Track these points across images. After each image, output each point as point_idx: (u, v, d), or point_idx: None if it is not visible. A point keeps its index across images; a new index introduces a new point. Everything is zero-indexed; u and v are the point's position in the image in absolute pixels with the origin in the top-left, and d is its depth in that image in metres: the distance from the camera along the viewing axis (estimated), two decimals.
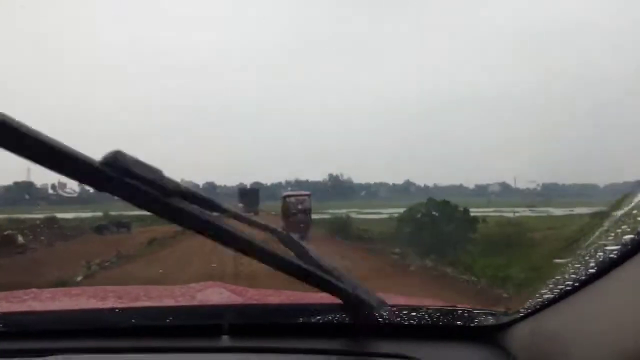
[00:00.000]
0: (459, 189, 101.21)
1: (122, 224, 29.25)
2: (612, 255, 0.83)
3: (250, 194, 44.76)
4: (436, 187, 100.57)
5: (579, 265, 0.93)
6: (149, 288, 1.65)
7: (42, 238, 20.17)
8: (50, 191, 74.93)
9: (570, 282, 0.93)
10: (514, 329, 1.11)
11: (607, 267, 0.83)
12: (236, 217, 0.94)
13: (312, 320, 1.14)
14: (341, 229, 23.46)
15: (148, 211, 0.76)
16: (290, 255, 0.96)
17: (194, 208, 0.78)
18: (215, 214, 0.85)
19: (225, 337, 1.13)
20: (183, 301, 1.47)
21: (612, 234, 0.87)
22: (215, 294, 1.50)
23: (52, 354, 1.06)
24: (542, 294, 1.02)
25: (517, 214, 31.23)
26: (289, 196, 25.22)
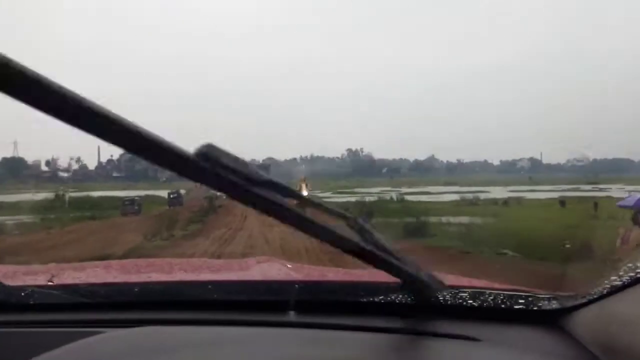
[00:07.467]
0: (484, 165, 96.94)
1: None
2: None
3: None
4: (460, 163, 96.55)
5: None
6: (208, 261, 1.82)
7: None
8: (44, 167, 71.09)
9: None
10: (579, 314, 1.15)
11: None
12: (312, 203, 0.99)
13: (376, 299, 1.21)
14: None
15: (235, 199, 0.84)
16: (358, 238, 1.01)
17: (276, 196, 0.85)
18: (294, 201, 0.92)
19: (291, 313, 1.21)
20: (243, 275, 1.57)
21: None
22: (274, 269, 1.57)
23: (135, 325, 1.14)
24: (610, 280, 1.07)
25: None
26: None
